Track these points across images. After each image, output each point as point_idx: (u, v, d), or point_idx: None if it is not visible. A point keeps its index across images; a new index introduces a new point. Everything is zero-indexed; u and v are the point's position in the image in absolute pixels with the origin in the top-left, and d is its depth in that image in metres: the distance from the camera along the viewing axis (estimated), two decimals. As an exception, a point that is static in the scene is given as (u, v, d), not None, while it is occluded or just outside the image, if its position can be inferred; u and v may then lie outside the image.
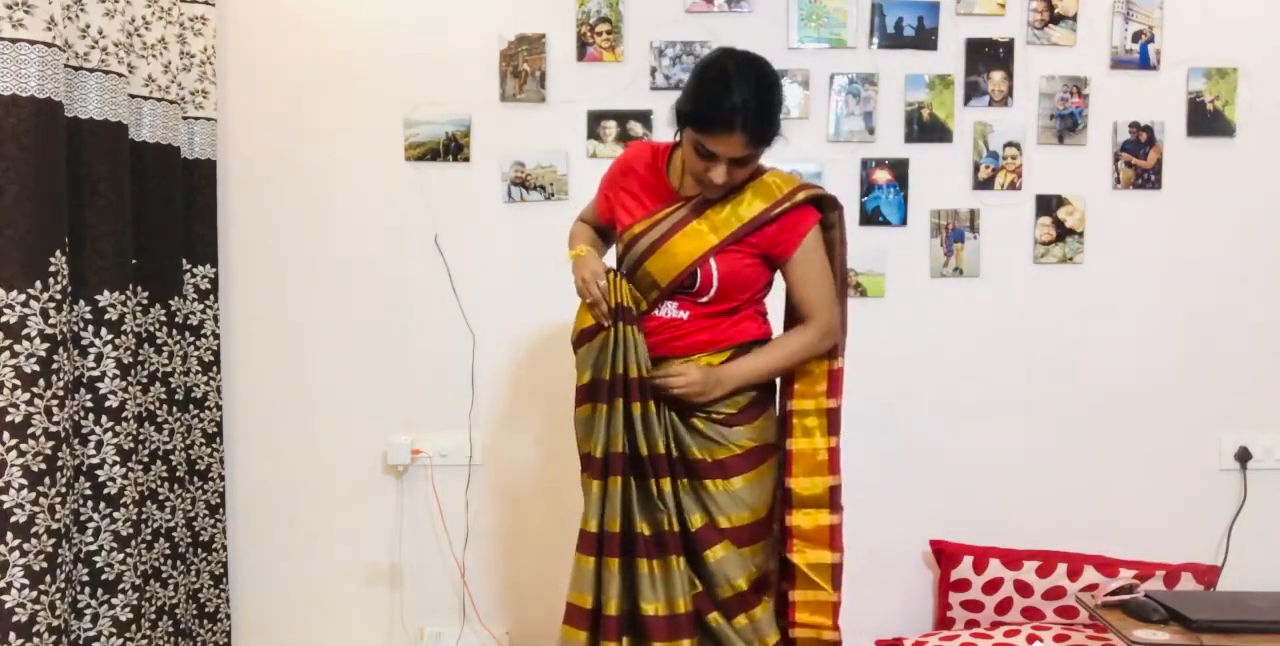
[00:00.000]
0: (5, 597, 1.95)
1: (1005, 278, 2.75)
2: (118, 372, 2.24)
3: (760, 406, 2.02)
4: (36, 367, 1.98)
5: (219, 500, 2.71)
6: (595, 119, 2.73)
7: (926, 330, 2.75)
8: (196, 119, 2.63)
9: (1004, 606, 2.62)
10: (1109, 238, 2.74)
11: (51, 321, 2.01)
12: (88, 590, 2.21)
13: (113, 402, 2.24)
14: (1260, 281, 2.74)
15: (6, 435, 1.95)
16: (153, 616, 2.43)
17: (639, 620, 1.91)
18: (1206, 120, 2.73)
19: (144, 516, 2.39)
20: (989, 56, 2.72)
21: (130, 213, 2.31)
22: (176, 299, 2.56)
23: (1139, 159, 2.73)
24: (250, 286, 2.79)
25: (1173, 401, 2.75)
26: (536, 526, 2.80)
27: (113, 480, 2.24)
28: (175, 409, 2.55)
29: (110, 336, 2.23)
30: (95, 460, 2.21)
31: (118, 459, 2.24)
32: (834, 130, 2.73)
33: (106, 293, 2.23)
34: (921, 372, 2.76)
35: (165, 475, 2.50)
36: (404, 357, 2.78)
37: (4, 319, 1.95)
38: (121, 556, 2.25)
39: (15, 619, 1.96)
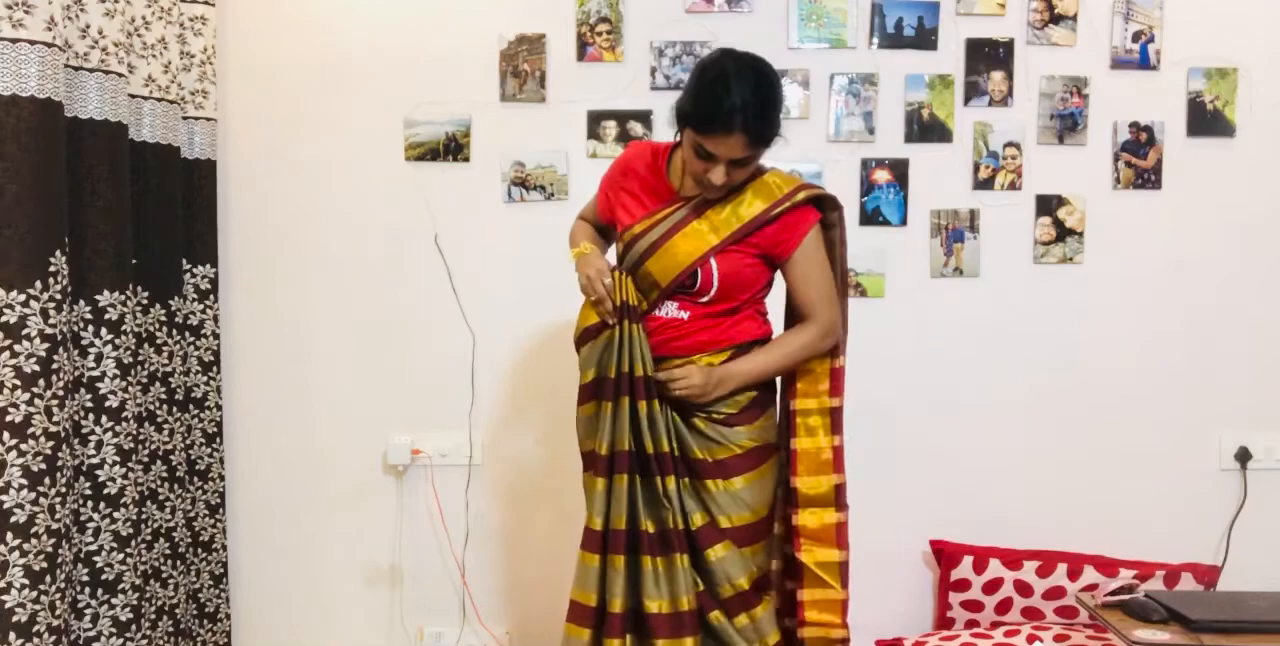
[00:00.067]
0: (5, 597, 1.95)
1: (1005, 278, 2.75)
2: (118, 372, 2.24)
3: (760, 406, 2.02)
4: (36, 367, 1.98)
5: (219, 500, 2.71)
6: (595, 119, 2.73)
7: (926, 330, 2.75)
8: (196, 119, 2.63)
9: (1004, 606, 2.62)
10: (1109, 238, 2.74)
11: (51, 321, 2.01)
12: (88, 590, 2.21)
13: (113, 402, 2.24)
14: (1260, 281, 2.74)
15: (6, 435, 1.95)
16: (153, 616, 2.43)
17: (642, 617, 1.91)
18: (1206, 120, 2.73)
19: (144, 516, 2.39)
20: (989, 56, 2.72)
21: (130, 213, 2.31)
22: (176, 299, 2.56)
23: (1139, 159, 2.73)
24: (250, 286, 2.79)
25: (1173, 401, 2.75)
26: (537, 526, 2.80)
27: (113, 480, 2.24)
28: (175, 409, 2.55)
29: (110, 336, 2.23)
30: (95, 460, 2.21)
31: (118, 459, 2.24)
32: (834, 130, 2.74)
33: (106, 293, 2.23)
34: (921, 372, 2.76)
35: (165, 475, 2.50)
36: (404, 357, 2.78)
37: (4, 319, 1.95)
38: (121, 556, 2.25)
39: (15, 619, 1.96)
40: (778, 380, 2.08)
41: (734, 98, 1.79)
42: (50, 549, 2.01)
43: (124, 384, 2.26)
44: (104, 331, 2.22)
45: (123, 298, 2.26)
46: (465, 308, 2.76)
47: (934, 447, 2.76)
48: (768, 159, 1.95)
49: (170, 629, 2.51)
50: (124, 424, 2.25)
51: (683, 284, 1.95)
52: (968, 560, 2.65)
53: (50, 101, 1.99)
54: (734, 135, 1.81)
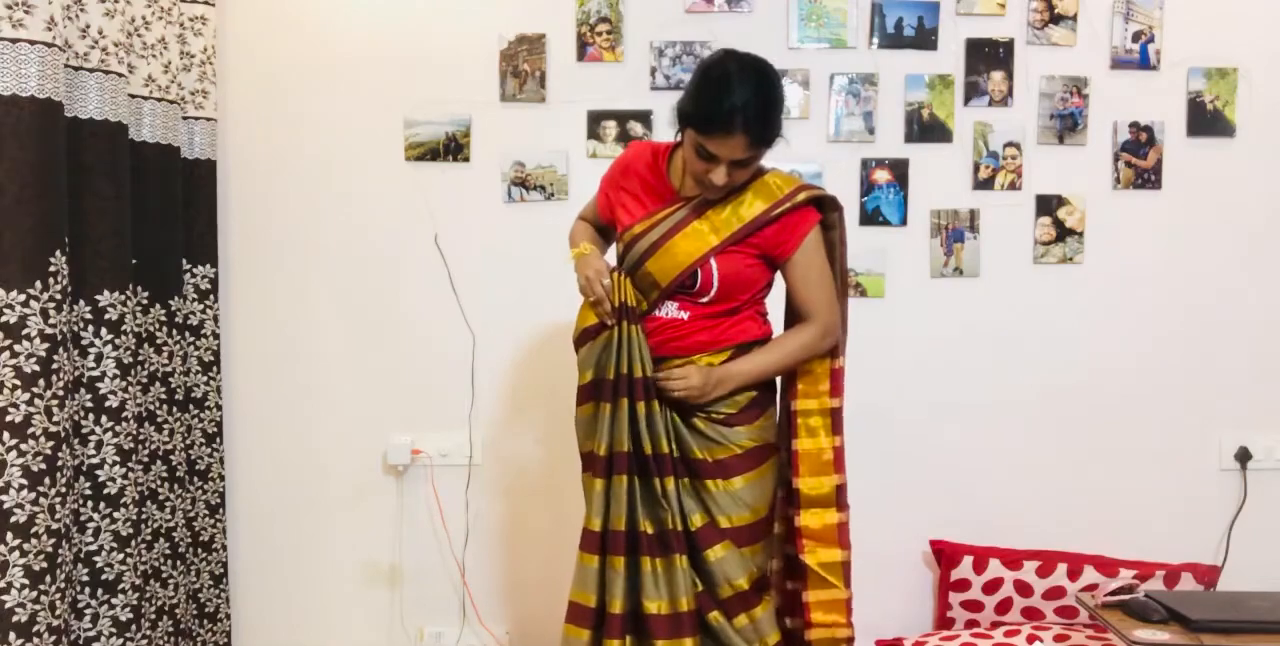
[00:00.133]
0: (5, 597, 1.95)
1: (1005, 278, 2.75)
2: (118, 372, 2.24)
3: (760, 406, 2.02)
4: (36, 367, 1.98)
5: (219, 500, 2.71)
6: (595, 119, 2.73)
7: (926, 330, 2.75)
8: (196, 119, 2.63)
9: (1004, 606, 2.62)
10: (1109, 238, 2.74)
11: (51, 321, 2.01)
12: (88, 590, 2.21)
13: (113, 402, 2.24)
14: (1260, 281, 2.74)
15: (6, 435, 1.95)
16: (153, 616, 2.43)
17: (641, 618, 1.91)
18: (1206, 120, 2.73)
19: (144, 516, 2.39)
20: (989, 56, 2.72)
21: (130, 213, 2.31)
22: (176, 299, 2.56)
23: (1139, 159, 2.73)
24: (250, 286, 2.79)
25: (1173, 401, 2.75)
26: (537, 526, 2.80)
27: (113, 480, 2.23)
28: (175, 409, 2.55)
29: (110, 336, 2.23)
30: (95, 460, 2.21)
31: (118, 459, 2.24)
32: (834, 130, 2.74)
33: (106, 293, 2.23)
34: (921, 372, 2.75)
35: (165, 475, 2.50)
36: (404, 357, 2.78)
37: (4, 319, 1.95)
38: (121, 556, 2.25)
39: (15, 619, 1.96)
40: (777, 380, 2.08)
41: (736, 98, 1.79)
42: (50, 549, 2.01)
43: (124, 384, 2.26)
44: (104, 331, 2.22)
45: (123, 298, 2.26)
46: (465, 307, 2.76)
47: (934, 447, 2.76)
48: (768, 159, 1.95)
49: (170, 629, 2.51)
50: (124, 424, 2.25)
51: (683, 284, 1.95)
52: (968, 560, 2.65)
53: (50, 101, 1.99)
54: (735, 136, 1.81)
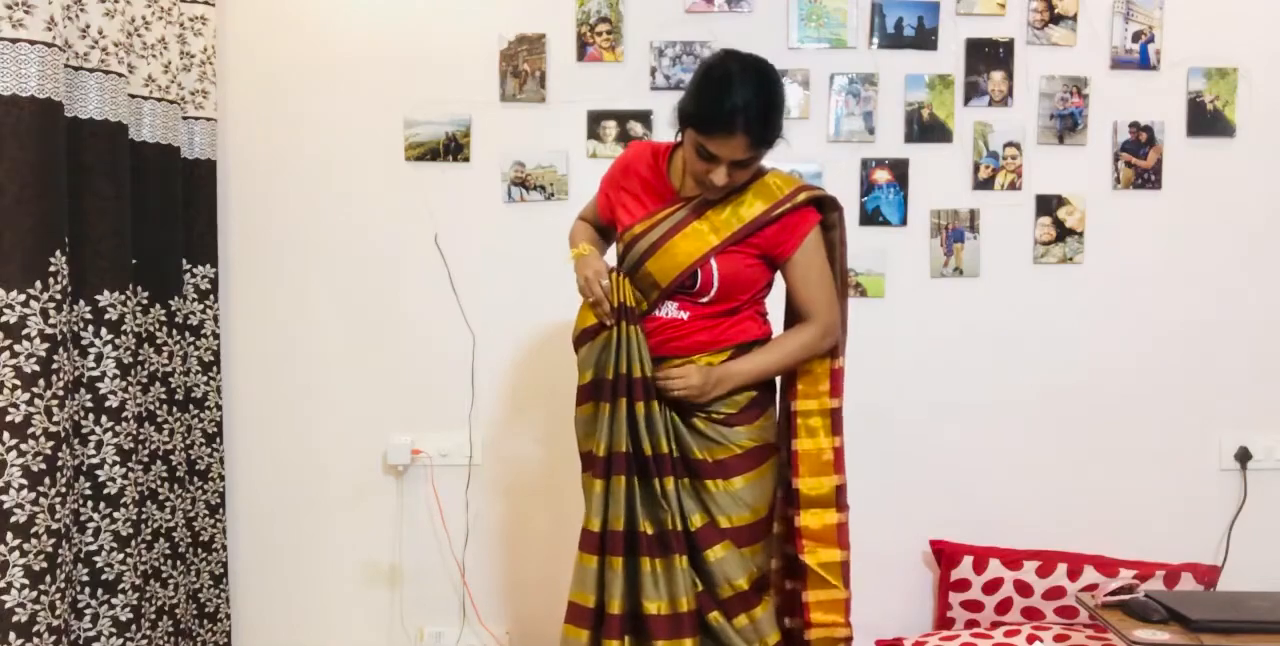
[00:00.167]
0: (5, 597, 1.95)
1: (1005, 278, 2.75)
2: (118, 372, 2.24)
3: (760, 406, 2.02)
4: (36, 367, 1.98)
5: (219, 500, 2.71)
6: (595, 119, 2.73)
7: (926, 330, 2.75)
8: (196, 119, 2.63)
9: (1004, 606, 2.62)
10: (1109, 238, 2.74)
11: (51, 321, 2.01)
12: (88, 590, 2.21)
13: (113, 402, 2.24)
14: (1260, 281, 2.74)
15: (6, 435, 1.95)
16: (153, 616, 2.43)
17: (641, 619, 1.91)
18: (1206, 120, 2.73)
19: (144, 516, 2.39)
20: (989, 56, 2.72)
21: (130, 213, 2.31)
22: (176, 299, 2.56)
23: (1139, 159, 2.73)
24: (250, 286, 2.79)
25: (1173, 401, 2.75)
26: (537, 526, 2.80)
27: (113, 480, 2.23)
28: (175, 409, 2.55)
29: (110, 336, 2.23)
30: (95, 460, 2.21)
31: (118, 459, 2.24)
32: (834, 130, 2.74)
33: (106, 293, 2.23)
34: (921, 372, 2.75)
35: (165, 475, 2.50)
36: (404, 357, 2.78)
37: (4, 319, 1.95)
38: (121, 556, 2.25)
39: (15, 619, 1.96)
40: (777, 380, 2.08)
41: (736, 99, 1.79)
42: (50, 549, 2.01)
43: (124, 384, 2.26)
44: (104, 331, 2.22)
45: (123, 298, 2.26)
46: (465, 307, 2.76)
47: (934, 447, 2.76)
48: (768, 159, 1.95)
49: (170, 629, 2.51)
50: (124, 424, 2.25)
51: (683, 284, 1.95)
52: (968, 560, 2.65)
53: (50, 101, 1.99)
54: (736, 136, 1.81)
